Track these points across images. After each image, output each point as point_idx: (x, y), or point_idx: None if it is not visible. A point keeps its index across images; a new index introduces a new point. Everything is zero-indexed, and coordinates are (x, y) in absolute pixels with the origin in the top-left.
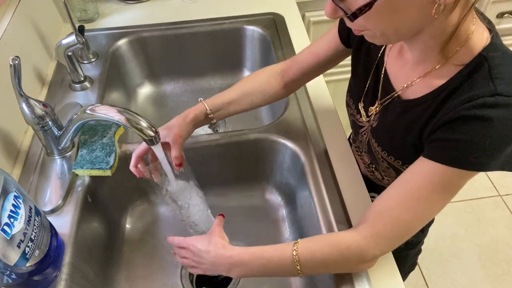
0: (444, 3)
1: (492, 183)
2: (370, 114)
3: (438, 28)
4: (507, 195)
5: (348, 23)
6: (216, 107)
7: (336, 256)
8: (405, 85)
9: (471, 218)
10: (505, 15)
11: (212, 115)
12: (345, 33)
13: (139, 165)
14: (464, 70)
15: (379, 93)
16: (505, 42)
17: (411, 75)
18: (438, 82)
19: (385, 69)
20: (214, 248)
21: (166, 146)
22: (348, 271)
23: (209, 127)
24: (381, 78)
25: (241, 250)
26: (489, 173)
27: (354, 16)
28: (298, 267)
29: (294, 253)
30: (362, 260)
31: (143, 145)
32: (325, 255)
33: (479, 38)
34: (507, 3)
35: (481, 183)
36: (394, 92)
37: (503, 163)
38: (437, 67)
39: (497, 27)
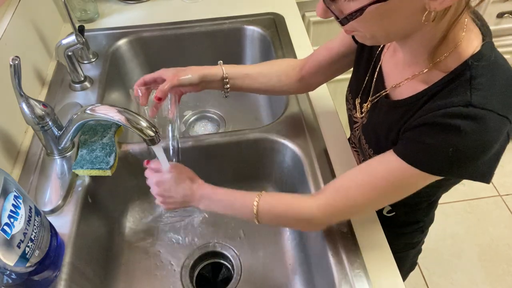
0: (434, 10)
1: (492, 183)
2: (363, 110)
3: (427, 34)
4: (507, 195)
5: (339, 24)
6: (232, 74)
7: (290, 215)
8: (394, 85)
9: (471, 218)
10: (505, 15)
11: (227, 80)
12: None
13: (140, 89)
14: (447, 77)
15: (371, 90)
16: (505, 42)
17: (401, 75)
18: (422, 86)
19: (380, 67)
20: (186, 184)
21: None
22: (299, 229)
23: (223, 91)
24: (375, 76)
25: (211, 190)
26: None
27: (345, 20)
28: (256, 217)
29: (255, 204)
30: (310, 223)
31: (157, 74)
32: (280, 213)
33: (468, 45)
34: (507, 3)
35: (481, 183)
36: (383, 91)
37: (472, 172)
38: (424, 71)
39: (497, 27)
